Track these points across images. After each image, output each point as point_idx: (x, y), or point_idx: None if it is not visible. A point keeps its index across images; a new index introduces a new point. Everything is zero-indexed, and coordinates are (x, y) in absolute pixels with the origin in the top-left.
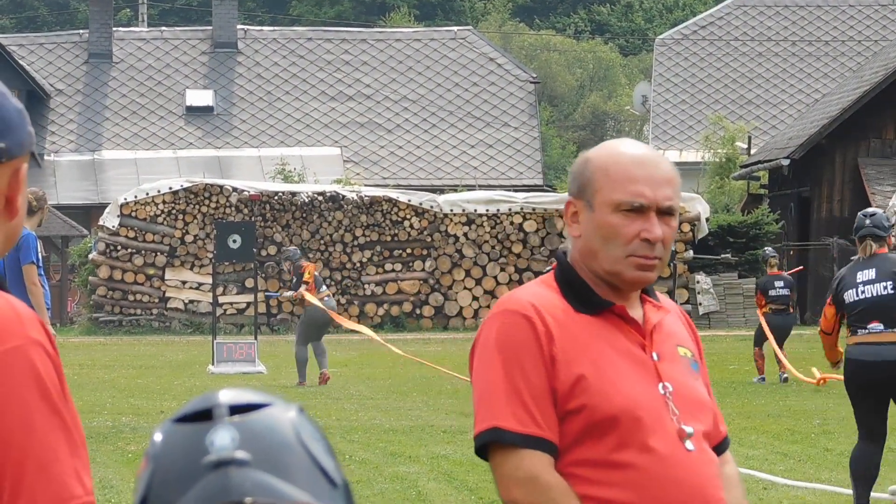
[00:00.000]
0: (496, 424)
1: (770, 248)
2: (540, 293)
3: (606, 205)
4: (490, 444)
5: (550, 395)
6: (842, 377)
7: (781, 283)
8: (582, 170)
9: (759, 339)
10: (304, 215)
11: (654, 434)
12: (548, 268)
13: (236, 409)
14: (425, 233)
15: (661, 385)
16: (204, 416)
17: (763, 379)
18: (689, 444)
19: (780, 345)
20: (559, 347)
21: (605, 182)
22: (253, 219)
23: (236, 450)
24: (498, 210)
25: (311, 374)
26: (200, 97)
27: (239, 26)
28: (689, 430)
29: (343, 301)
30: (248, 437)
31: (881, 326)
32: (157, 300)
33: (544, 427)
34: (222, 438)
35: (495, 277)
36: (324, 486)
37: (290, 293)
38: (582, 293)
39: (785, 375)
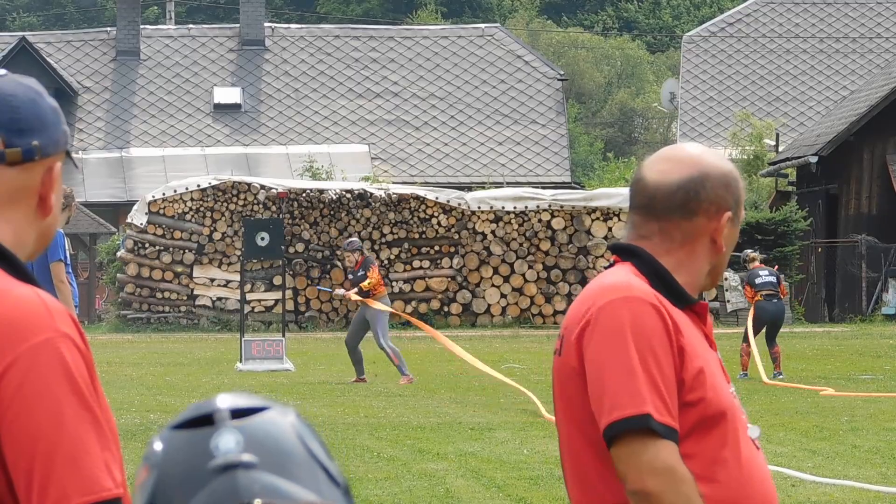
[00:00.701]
0: (647, 411)
1: (749, 249)
2: (643, 283)
3: (741, 220)
4: (624, 431)
5: (677, 386)
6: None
7: (766, 272)
8: (735, 183)
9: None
10: (332, 213)
11: (741, 433)
12: (609, 262)
13: (236, 414)
14: (453, 230)
15: (730, 384)
16: (204, 421)
17: (746, 375)
18: (757, 444)
19: (773, 338)
20: (685, 339)
21: (742, 198)
22: (281, 216)
23: (242, 453)
24: (526, 207)
25: (341, 373)
26: (228, 95)
27: (266, 24)
28: (756, 429)
29: None
30: (252, 440)
31: None
32: (185, 297)
33: (676, 418)
34: (227, 442)
35: (523, 275)
36: (328, 486)
37: (353, 291)
38: (675, 288)
39: (780, 375)
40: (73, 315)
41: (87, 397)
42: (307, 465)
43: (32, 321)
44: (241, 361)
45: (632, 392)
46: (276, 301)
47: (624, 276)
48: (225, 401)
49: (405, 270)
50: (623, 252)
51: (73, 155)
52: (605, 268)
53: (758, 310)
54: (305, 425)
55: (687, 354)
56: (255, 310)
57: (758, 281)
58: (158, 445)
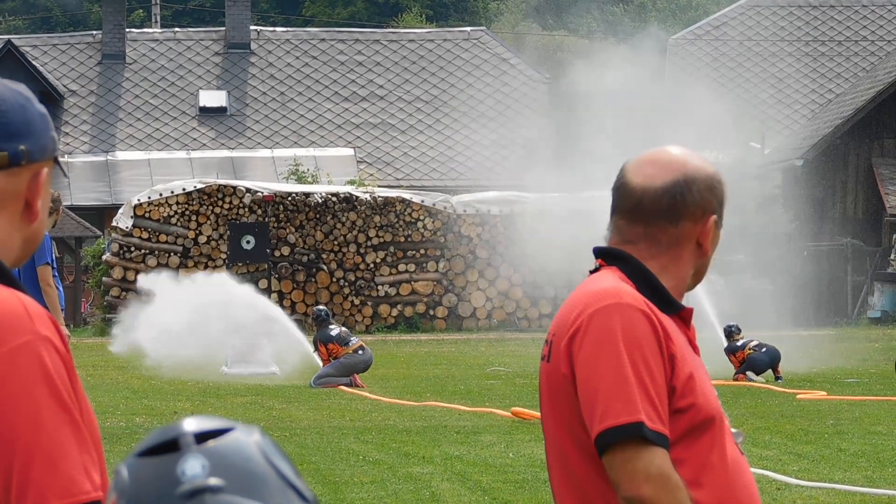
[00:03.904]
0: (640, 419)
1: (734, 325)
2: (632, 289)
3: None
4: (617, 439)
5: (668, 393)
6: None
7: (746, 339)
8: (719, 186)
9: (746, 370)
10: (318, 216)
11: (727, 437)
12: (594, 266)
13: (201, 437)
14: (439, 233)
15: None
16: (170, 447)
17: (780, 378)
18: (741, 448)
19: (776, 367)
20: (675, 345)
21: (726, 199)
22: (266, 220)
23: (209, 477)
24: (511, 211)
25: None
26: (214, 98)
27: (252, 27)
28: (740, 434)
29: (357, 302)
30: (218, 463)
31: None
32: None
33: (667, 424)
34: (193, 467)
35: (509, 278)
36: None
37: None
38: (663, 294)
39: (780, 377)
40: (56, 318)
41: (66, 400)
42: (275, 484)
43: (12, 324)
44: (226, 365)
45: (624, 400)
46: None
47: (613, 281)
48: (189, 425)
49: (391, 274)
50: (609, 256)
51: (59, 158)
52: (591, 271)
53: (753, 362)
54: (271, 444)
55: (677, 361)
56: None
57: (740, 343)
58: (125, 473)
